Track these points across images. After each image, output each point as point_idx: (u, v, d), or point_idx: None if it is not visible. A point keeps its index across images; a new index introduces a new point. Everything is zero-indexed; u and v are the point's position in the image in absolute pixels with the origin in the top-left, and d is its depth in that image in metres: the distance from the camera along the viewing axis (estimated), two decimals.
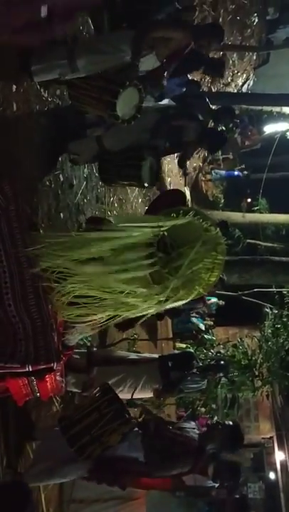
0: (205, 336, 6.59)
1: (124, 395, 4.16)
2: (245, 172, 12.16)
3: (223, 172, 12.28)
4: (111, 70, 3.78)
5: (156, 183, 5.29)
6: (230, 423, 3.25)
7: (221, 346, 5.57)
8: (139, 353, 4.64)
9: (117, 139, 4.54)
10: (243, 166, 12.97)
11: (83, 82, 3.70)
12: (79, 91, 3.73)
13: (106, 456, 3.12)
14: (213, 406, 5.59)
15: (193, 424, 3.26)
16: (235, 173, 12.11)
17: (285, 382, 5.23)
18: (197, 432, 3.20)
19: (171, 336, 8.31)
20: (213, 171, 12.37)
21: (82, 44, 4.20)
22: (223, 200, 13.06)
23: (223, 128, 8.74)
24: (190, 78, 7.02)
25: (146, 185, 4.63)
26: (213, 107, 5.82)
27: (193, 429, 3.22)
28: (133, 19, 6.13)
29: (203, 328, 10.43)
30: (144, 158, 4.39)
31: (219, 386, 4.96)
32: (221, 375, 4.72)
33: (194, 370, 4.26)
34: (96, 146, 4.51)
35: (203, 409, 5.26)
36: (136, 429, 3.26)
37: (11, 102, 3.55)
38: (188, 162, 10.60)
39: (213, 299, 10.44)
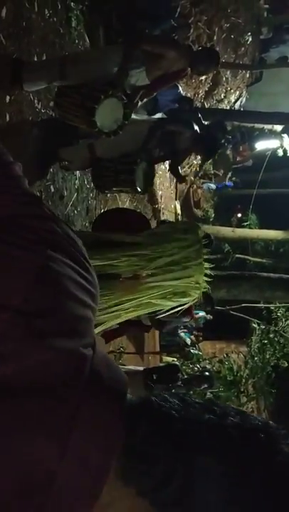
0: (191, 350, 6.58)
1: None
2: (236, 180, 12.27)
3: (213, 185, 12.35)
4: (100, 80, 3.71)
5: (150, 189, 5.28)
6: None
7: (207, 361, 5.56)
8: (124, 365, 4.64)
9: (109, 146, 4.56)
10: (234, 179, 13.06)
11: (70, 91, 3.67)
12: (64, 99, 3.70)
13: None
14: None
15: None
16: (227, 183, 12.20)
17: (270, 398, 5.23)
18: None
19: (158, 349, 8.30)
20: (204, 184, 12.43)
21: (73, 54, 4.24)
22: (213, 215, 13.15)
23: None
24: (183, 95, 7.13)
25: (139, 190, 4.63)
26: (205, 123, 5.86)
27: None
28: (129, 35, 6.23)
29: (189, 342, 10.45)
30: (137, 163, 4.41)
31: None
32: (206, 386, 4.72)
33: (179, 383, 4.26)
34: (88, 153, 4.52)
35: None
36: None
37: (3, 113, 3.58)
38: (181, 170, 10.73)
39: (201, 313, 10.47)
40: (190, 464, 0.55)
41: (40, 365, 0.60)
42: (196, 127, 4.64)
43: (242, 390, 4.95)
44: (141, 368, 4.42)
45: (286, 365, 5.43)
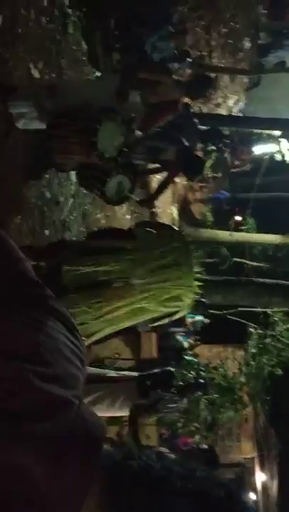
0: (185, 356, 6.58)
1: (102, 412, 4.15)
2: (228, 193, 12.21)
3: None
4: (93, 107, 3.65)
5: (123, 203, 5.17)
6: (205, 447, 3.26)
7: (202, 368, 5.57)
8: (118, 370, 4.64)
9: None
10: (228, 195, 12.97)
11: (63, 121, 3.60)
12: (58, 141, 3.65)
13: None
14: (194, 426, 5.58)
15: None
16: (219, 194, 12.09)
17: (266, 406, 5.22)
18: (173, 456, 3.21)
19: (155, 355, 8.29)
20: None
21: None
22: (211, 218, 13.13)
23: (213, 148, 8.83)
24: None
25: (110, 200, 4.57)
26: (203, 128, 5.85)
27: (170, 453, 3.22)
28: (126, 41, 6.25)
29: (186, 346, 10.44)
30: (111, 175, 4.35)
31: (200, 407, 4.94)
32: (200, 393, 4.72)
33: (172, 390, 4.25)
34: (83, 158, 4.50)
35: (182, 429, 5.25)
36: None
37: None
38: (177, 179, 10.74)
39: (198, 317, 10.47)
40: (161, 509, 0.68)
41: (38, 401, 0.76)
42: (185, 143, 4.60)
43: (236, 397, 4.95)
44: (135, 374, 4.42)
45: (280, 372, 5.43)
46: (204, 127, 5.58)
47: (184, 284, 2.68)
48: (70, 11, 5.02)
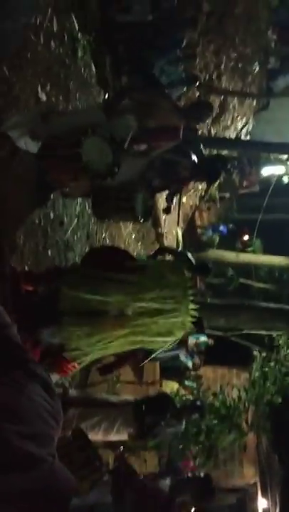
0: (186, 381, 6.50)
1: (99, 437, 4.11)
2: (231, 225, 12.10)
3: (209, 231, 12.14)
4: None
5: (149, 218, 5.25)
6: (202, 475, 3.21)
7: (201, 395, 5.50)
8: (117, 395, 4.60)
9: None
10: (231, 226, 12.86)
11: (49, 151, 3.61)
12: (47, 159, 3.66)
13: (74, 504, 3.06)
14: (194, 449, 5.50)
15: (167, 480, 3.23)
16: (221, 227, 11.98)
17: (267, 432, 5.14)
18: (168, 484, 3.17)
19: (158, 377, 8.23)
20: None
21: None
22: (218, 239, 13.14)
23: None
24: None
25: (139, 217, 4.63)
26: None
27: (164, 480, 3.19)
28: (135, 64, 6.33)
29: (190, 366, 10.36)
30: (137, 191, 4.41)
31: (199, 436, 4.87)
32: (197, 416, 4.64)
33: (168, 414, 4.20)
34: (88, 180, 4.54)
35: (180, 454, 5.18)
36: (106, 477, 3.22)
37: (4, 144, 3.63)
38: (184, 199, 10.77)
39: (202, 338, 10.41)
40: None
41: (16, 458, 0.86)
42: (193, 157, 4.65)
43: (234, 424, 4.87)
44: (131, 398, 4.38)
45: (279, 401, 5.35)
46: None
47: (180, 321, 2.69)
48: (79, 35, 5.11)
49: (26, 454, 0.87)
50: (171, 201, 5.48)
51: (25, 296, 3.02)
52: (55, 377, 3.52)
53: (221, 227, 12.00)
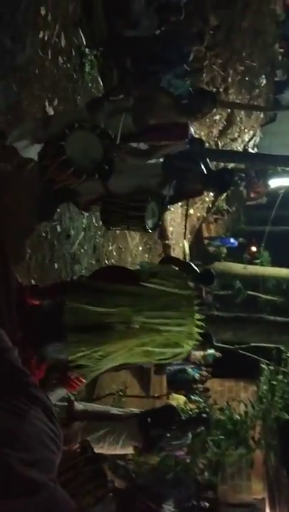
0: (192, 396, 6.45)
1: (104, 450, 4.08)
2: (240, 239, 12.01)
3: (217, 242, 12.05)
4: None
5: (157, 229, 5.20)
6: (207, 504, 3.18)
7: (207, 409, 5.45)
8: (122, 407, 4.57)
9: (120, 181, 4.56)
10: (241, 239, 12.78)
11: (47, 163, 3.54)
12: (48, 170, 3.58)
13: None
14: (201, 464, 5.44)
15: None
16: (231, 240, 11.88)
17: (272, 452, 5.07)
18: (172, 509, 3.13)
19: (165, 391, 8.17)
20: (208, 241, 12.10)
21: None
22: (225, 251, 13.13)
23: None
24: (194, 136, 7.23)
25: (148, 227, 4.61)
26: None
27: (169, 505, 3.16)
28: (142, 78, 6.38)
29: (198, 378, 10.29)
30: (148, 201, 4.39)
31: (206, 452, 4.81)
32: (202, 428, 4.59)
33: (174, 426, 4.16)
34: (101, 187, 4.53)
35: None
36: (111, 494, 3.19)
37: (12, 158, 3.67)
38: (191, 211, 10.78)
39: (210, 351, 10.34)
40: None
41: (18, 484, 0.88)
42: (202, 167, 4.62)
43: (241, 441, 4.82)
44: (137, 411, 4.35)
45: (287, 417, 5.29)
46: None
47: (186, 331, 2.68)
48: (87, 50, 5.17)
49: (29, 480, 0.88)
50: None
51: (31, 311, 3.03)
52: (62, 392, 3.52)
53: (232, 240, 11.92)
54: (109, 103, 3.66)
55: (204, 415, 4.77)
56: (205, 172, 4.60)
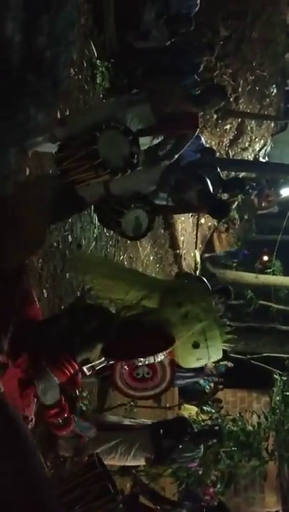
0: (204, 407, 6.40)
1: (115, 461, 4.06)
2: (252, 250, 11.88)
3: (226, 253, 11.88)
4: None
5: (141, 238, 5.15)
6: (216, 504, 3.14)
7: (219, 420, 5.39)
8: (134, 418, 4.53)
9: (124, 186, 4.56)
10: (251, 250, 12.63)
11: (67, 150, 3.58)
12: (66, 162, 3.61)
13: None
14: (213, 477, 5.38)
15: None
16: (243, 251, 11.68)
17: (286, 464, 4.98)
18: None
19: (176, 402, 8.10)
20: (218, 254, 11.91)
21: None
22: (236, 260, 13.07)
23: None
24: (206, 146, 7.25)
25: (128, 234, 4.55)
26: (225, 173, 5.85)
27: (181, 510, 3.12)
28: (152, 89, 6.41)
29: (209, 389, 10.21)
30: (129, 207, 4.34)
31: (218, 463, 4.76)
32: (215, 441, 4.53)
33: (186, 438, 4.12)
34: (103, 190, 4.54)
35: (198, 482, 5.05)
36: (121, 505, 3.16)
37: (23, 167, 3.70)
38: (202, 220, 10.76)
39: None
40: None
41: None
42: (208, 185, 4.61)
43: (254, 453, 4.75)
44: (149, 422, 4.32)
45: None
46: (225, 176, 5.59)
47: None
48: (98, 62, 5.22)
49: None
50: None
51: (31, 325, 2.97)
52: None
53: (243, 251, 11.73)
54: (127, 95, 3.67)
55: (216, 428, 4.72)
56: (206, 192, 4.60)
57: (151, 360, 2.72)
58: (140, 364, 2.83)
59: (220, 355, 2.93)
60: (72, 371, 2.55)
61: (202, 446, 4.45)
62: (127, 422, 4.30)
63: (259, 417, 5.36)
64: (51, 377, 2.51)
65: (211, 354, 2.87)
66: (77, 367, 2.58)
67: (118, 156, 3.51)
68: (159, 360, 2.78)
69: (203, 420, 5.78)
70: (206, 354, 2.84)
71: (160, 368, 3.09)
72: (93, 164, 3.47)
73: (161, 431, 4.04)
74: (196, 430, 4.48)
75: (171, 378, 3.15)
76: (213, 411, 6.33)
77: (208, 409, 6.35)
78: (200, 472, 5.20)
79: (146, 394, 3.28)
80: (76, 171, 3.62)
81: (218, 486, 4.93)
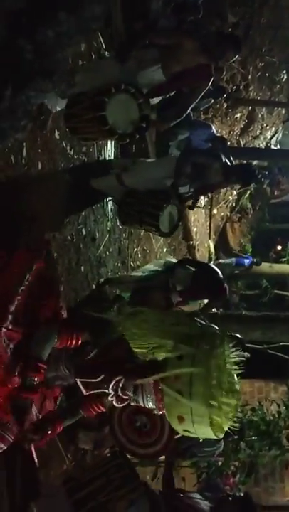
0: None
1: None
2: (256, 259, 11.65)
3: (232, 260, 11.62)
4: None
5: (174, 232, 5.14)
6: (242, 495, 3.10)
7: (239, 410, 5.34)
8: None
9: (137, 177, 4.55)
10: (257, 258, 12.39)
11: (76, 109, 3.52)
12: (74, 120, 3.59)
13: None
14: (232, 467, 5.36)
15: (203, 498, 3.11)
16: (246, 260, 11.42)
17: None
18: (208, 504, 3.06)
19: None
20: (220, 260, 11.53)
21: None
22: (250, 250, 12.98)
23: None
24: (216, 134, 7.18)
25: (164, 233, 4.60)
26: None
27: (204, 500, 3.09)
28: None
29: None
30: (163, 208, 4.36)
31: (238, 453, 4.71)
32: (236, 437, 4.49)
33: None
34: (116, 182, 4.53)
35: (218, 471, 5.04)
36: (145, 495, 3.14)
37: (36, 162, 3.69)
38: (215, 211, 10.68)
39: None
40: None
41: None
42: (225, 159, 4.56)
43: (274, 442, 4.70)
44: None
45: None
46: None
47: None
48: (106, 53, 5.17)
49: None
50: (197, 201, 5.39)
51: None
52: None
53: (247, 260, 11.43)
54: (136, 51, 3.53)
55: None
56: (228, 165, 4.55)
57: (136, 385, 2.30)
58: (132, 397, 2.32)
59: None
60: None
61: (222, 441, 4.39)
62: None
63: (279, 405, 5.32)
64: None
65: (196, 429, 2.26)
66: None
67: (127, 121, 3.42)
68: (147, 398, 2.32)
69: None
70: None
71: (159, 422, 2.56)
72: (101, 129, 3.41)
73: None
74: None
75: (168, 439, 2.61)
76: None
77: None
78: (220, 462, 5.18)
79: (147, 452, 2.78)
80: (83, 131, 3.59)
81: (239, 475, 4.92)
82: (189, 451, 4.00)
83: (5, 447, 2.73)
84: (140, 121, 3.46)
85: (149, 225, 4.57)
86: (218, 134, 7.79)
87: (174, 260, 4.97)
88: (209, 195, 8.94)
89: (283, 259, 12.66)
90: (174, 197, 4.42)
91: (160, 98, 3.91)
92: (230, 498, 3.02)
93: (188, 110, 4.11)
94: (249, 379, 11.81)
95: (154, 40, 3.62)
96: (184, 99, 3.99)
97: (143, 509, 3.15)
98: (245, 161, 7.58)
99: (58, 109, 3.72)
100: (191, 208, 5.14)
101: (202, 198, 8.71)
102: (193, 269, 4.45)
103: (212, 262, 8.96)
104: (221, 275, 4.48)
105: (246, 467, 4.89)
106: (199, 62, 3.63)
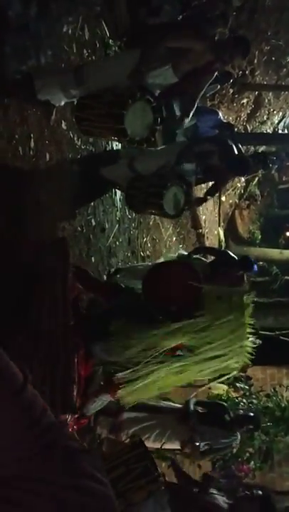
0: (237, 384, 6.36)
1: (150, 443, 4.08)
2: (261, 263, 11.58)
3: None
4: (119, 86, 3.50)
5: (181, 214, 5.12)
6: (260, 493, 3.12)
7: (253, 396, 5.36)
8: (169, 401, 4.52)
9: (148, 163, 4.54)
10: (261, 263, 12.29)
11: (91, 100, 3.50)
12: (86, 111, 3.56)
13: None
14: (248, 453, 5.37)
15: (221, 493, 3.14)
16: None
17: None
18: (226, 500, 3.08)
19: (206, 380, 8.07)
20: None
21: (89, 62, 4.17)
22: (260, 237, 12.90)
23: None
24: (223, 121, 7.11)
25: (170, 214, 4.57)
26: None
27: (222, 496, 3.11)
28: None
29: None
30: (167, 187, 4.35)
31: (253, 440, 4.73)
32: (251, 427, 4.46)
33: (221, 424, 4.08)
34: (128, 170, 4.52)
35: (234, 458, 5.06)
36: (163, 487, 3.16)
37: (43, 153, 3.67)
38: (223, 198, 10.63)
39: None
40: None
41: None
42: (229, 146, 4.57)
43: None
44: (183, 406, 4.29)
45: None
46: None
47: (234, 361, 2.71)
48: (111, 41, 5.12)
49: None
50: (209, 195, 5.38)
51: (75, 302, 3.02)
52: (106, 399, 3.47)
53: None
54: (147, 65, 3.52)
55: (251, 414, 4.62)
56: (224, 151, 4.54)
57: None
58: None
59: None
60: None
61: (238, 433, 4.37)
62: (162, 404, 4.29)
63: None
64: None
65: None
66: None
67: (143, 126, 3.45)
68: None
69: (236, 397, 5.77)
70: None
71: None
72: (114, 127, 3.42)
73: (197, 416, 4.02)
74: (231, 416, 4.40)
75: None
76: (247, 387, 6.31)
77: (242, 385, 6.32)
78: (235, 449, 5.19)
79: None
80: (93, 125, 3.57)
81: (253, 462, 4.93)
82: (208, 449, 4.00)
83: None
84: (154, 124, 3.50)
85: (154, 204, 4.52)
86: (225, 120, 7.71)
87: (185, 253, 4.96)
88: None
89: None
90: (177, 179, 4.39)
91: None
92: (249, 497, 3.03)
93: (196, 102, 4.12)
94: (261, 366, 11.82)
95: (165, 43, 3.59)
96: (190, 93, 4.00)
97: (161, 501, 3.17)
98: (253, 148, 7.50)
99: (63, 103, 3.69)
100: (198, 203, 5.18)
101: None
102: (206, 261, 4.44)
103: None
104: (237, 259, 4.52)
105: (262, 453, 4.90)
106: (208, 60, 3.66)
